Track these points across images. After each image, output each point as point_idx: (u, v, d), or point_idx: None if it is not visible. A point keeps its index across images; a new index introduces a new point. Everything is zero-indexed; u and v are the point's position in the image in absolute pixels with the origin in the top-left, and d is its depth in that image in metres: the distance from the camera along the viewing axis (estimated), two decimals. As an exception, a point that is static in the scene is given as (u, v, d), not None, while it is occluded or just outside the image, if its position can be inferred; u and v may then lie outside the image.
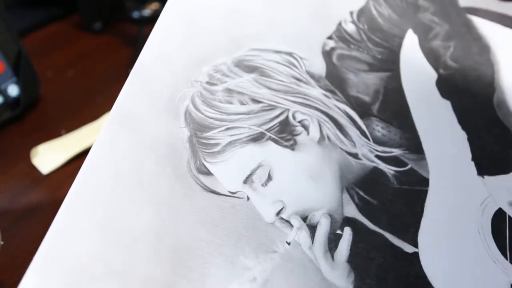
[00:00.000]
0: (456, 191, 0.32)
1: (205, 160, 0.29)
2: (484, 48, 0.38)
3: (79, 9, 0.63)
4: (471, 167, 0.33)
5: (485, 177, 0.33)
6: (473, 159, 0.33)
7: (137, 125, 0.29)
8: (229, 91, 0.32)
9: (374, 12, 0.38)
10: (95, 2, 0.62)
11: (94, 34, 0.62)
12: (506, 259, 0.30)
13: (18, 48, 0.47)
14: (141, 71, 0.30)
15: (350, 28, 0.37)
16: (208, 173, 0.29)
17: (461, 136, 0.34)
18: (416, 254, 0.29)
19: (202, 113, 0.30)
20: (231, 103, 0.31)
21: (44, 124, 0.49)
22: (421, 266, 0.29)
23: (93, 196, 0.26)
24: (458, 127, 0.34)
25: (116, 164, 0.27)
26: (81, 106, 0.51)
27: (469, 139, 0.34)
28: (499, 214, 0.31)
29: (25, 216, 0.40)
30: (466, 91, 0.36)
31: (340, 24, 0.37)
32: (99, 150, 0.27)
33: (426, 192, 0.31)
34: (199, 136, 0.30)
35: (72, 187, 0.26)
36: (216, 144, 0.30)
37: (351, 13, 0.38)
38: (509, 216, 0.31)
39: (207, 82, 0.31)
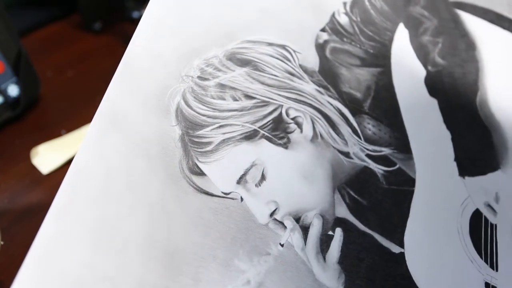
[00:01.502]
0: (439, 192, 0.33)
1: (198, 160, 0.28)
2: (470, 45, 0.38)
3: (79, 9, 0.63)
4: (454, 167, 0.34)
5: (466, 177, 0.34)
6: (455, 159, 0.34)
7: (126, 123, 0.27)
8: (222, 86, 0.30)
9: (367, 3, 0.37)
10: (95, 2, 0.61)
11: (94, 34, 0.62)
12: (481, 258, 0.31)
13: (18, 48, 0.47)
14: (129, 65, 0.28)
15: (343, 19, 0.36)
16: (200, 173, 0.28)
17: (446, 136, 0.35)
18: (402, 255, 0.30)
19: (194, 110, 0.29)
20: (223, 99, 0.30)
21: (44, 124, 0.50)
22: (406, 266, 0.30)
23: (82, 199, 0.25)
24: (443, 127, 0.35)
25: (105, 165, 0.26)
26: (81, 106, 0.51)
27: (452, 139, 0.35)
28: (477, 215, 0.33)
29: (25, 216, 0.40)
30: (452, 89, 0.36)
31: (333, 15, 0.36)
32: (87, 150, 0.26)
33: (412, 192, 0.32)
34: (191, 135, 0.28)
35: (59, 191, 0.24)
36: (209, 143, 0.29)
37: (344, 3, 0.37)
38: (485, 216, 0.33)
39: (199, 77, 0.30)
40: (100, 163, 0.26)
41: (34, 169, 0.44)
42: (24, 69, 0.48)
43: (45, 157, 0.44)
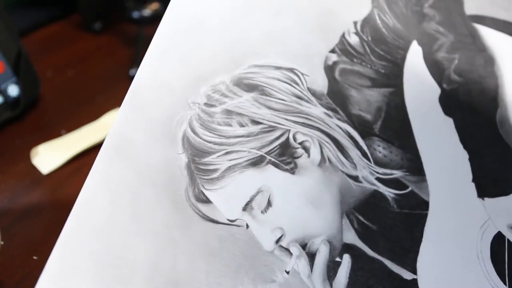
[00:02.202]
0: (455, 215, 0.32)
1: (204, 188, 0.29)
2: (489, 60, 0.37)
3: (79, 9, 0.63)
4: (472, 188, 0.33)
5: (485, 199, 0.32)
6: (473, 180, 0.33)
7: (133, 152, 0.28)
8: (228, 112, 0.31)
9: (379, 21, 0.37)
10: (95, 2, 0.62)
11: (94, 34, 0.63)
12: (505, 284, 0.30)
13: (18, 48, 0.48)
14: (137, 93, 0.29)
15: (354, 40, 0.36)
16: (206, 201, 0.28)
17: (463, 156, 0.33)
18: (414, 281, 0.29)
19: (201, 138, 0.29)
20: (230, 125, 0.30)
21: (44, 124, 0.50)
22: (419, 294, 0.29)
23: (88, 230, 0.26)
24: (459, 146, 0.34)
25: (111, 194, 0.27)
26: (81, 106, 0.52)
27: (470, 159, 0.33)
28: (499, 238, 0.31)
29: (25, 216, 0.41)
30: (469, 107, 0.35)
31: (343, 35, 0.35)
32: (95, 179, 0.27)
33: (425, 215, 0.31)
34: (198, 162, 0.29)
35: (68, 221, 0.25)
36: (215, 170, 0.29)
37: (355, 23, 0.36)
38: (508, 240, 0.31)
39: (205, 104, 0.30)
40: (106, 192, 0.27)
41: (34, 169, 0.44)
42: (24, 69, 0.48)
43: (45, 157, 0.44)
